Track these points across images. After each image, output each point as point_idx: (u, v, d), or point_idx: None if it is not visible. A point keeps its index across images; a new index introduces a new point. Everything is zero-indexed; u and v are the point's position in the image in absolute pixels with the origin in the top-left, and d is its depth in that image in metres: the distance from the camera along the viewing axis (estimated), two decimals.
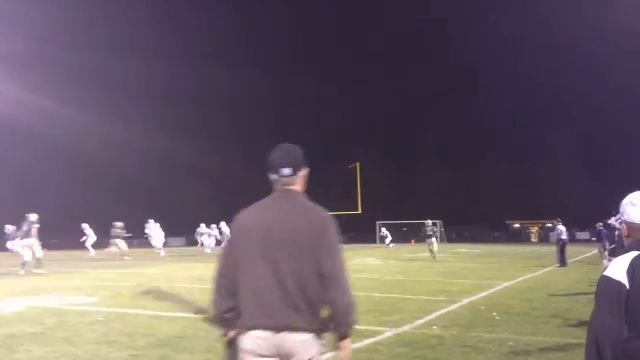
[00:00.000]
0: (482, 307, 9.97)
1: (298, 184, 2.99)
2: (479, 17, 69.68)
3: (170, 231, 38.02)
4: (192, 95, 63.35)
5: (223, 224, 32.04)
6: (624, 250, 2.23)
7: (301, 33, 74.02)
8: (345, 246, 32.71)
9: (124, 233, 27.23)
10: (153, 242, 30.47)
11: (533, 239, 61.23)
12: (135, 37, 59.06)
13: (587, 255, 27.89)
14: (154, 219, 30.68)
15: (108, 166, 55.95)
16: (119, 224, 26.89)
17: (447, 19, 71.75)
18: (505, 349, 6.63)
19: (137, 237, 34.52)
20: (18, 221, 20.83)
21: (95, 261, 24.66)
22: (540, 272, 18.21)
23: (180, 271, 18.76)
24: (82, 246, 31.37)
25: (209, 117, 62.30)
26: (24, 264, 18.04)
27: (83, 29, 56.58)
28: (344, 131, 68.32)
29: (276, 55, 70.65)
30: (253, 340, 2.75)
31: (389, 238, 42.56)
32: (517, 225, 69.71)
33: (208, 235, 34.77)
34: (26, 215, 19.04)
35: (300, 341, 2.71)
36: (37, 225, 18.80)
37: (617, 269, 2.11)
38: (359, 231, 55.12)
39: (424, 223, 26.37)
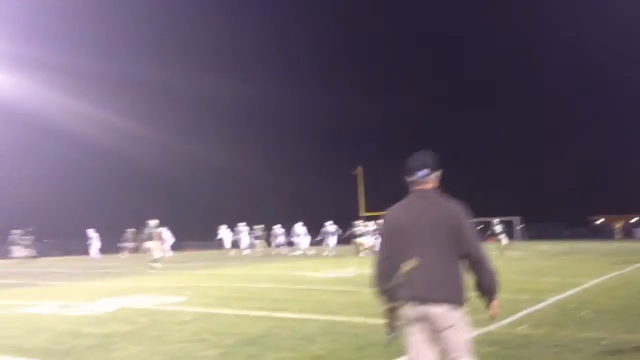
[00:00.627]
0: (572, 306, 9.63)
1: (432, 183, 3.65)
2: None
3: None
4: (264, 110, 64.61)
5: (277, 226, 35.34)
6: None
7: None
8: None
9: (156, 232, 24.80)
10: (227, 244, 35.20)
11: (617, 235, 58.65)
12: (202, 53, 60.92)
13: None
14: (225, 225, 35.71)
15: (167, 176, 57.46)
16: (153, 222, 23.78)
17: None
18: (599, 347, 6.38)
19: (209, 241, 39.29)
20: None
21: (170, 262, 25.41)
22: (628, 269, 17.42)
23: (257, 271, 19.13)
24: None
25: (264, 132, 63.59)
26: (155, 261, 21.49)
27: (150, 44, 58.44)
28: (416, 129, 67.54)
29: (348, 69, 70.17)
30: (408, 310, 3.50)
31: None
32: (599, 221, 67.02)
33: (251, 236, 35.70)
34: (147, 222, 22.55)
35: (441, 311, 3.41)
36: (158, 230, 22.46)
37: None
38: None
39: (491, 222, 26.44)
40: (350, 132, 69.16)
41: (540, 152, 68.74)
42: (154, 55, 57.08)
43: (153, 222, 22.29)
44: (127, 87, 53.90)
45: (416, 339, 3.50)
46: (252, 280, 15.87)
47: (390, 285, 3.54)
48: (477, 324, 8.01)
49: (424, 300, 3.42)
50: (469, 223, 3.51)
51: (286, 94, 61.09)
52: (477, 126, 70.31)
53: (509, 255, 23.48)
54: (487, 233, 27.38)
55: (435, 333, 3.44)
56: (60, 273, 21.14)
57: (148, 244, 22.59)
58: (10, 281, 17.70)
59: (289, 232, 35.15)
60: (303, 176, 61.25)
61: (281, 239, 35.21)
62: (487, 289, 3.55)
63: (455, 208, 3.53)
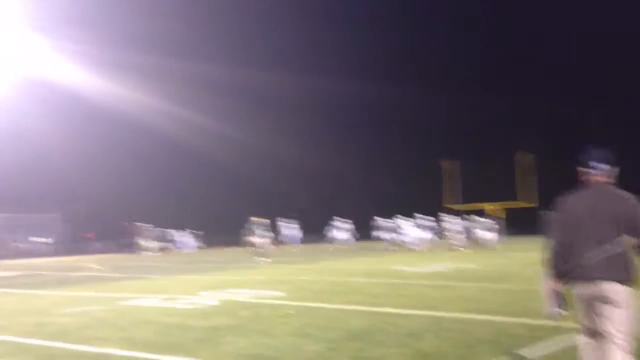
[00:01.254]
0: None
1: (610, 178, 4.09)
2: None
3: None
4: (340, 104, 64.66)
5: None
6: None
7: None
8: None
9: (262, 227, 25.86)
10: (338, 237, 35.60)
11: None
12: (279, 51, 61.65)
13: None
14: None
15: (242, 171, 58.66)
16: (256, 219, 25.57)
17: None
18: None
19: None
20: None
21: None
22: None
23: (352, 265, 19.14)
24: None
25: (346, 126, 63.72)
26: (262, 255, 23.71)
27: (225, 44, 59.85)
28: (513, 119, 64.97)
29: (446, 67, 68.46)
30: (580, 289, 3.97)
31: None
32: None
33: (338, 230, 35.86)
34: (250, 218, 25.18)
35: (611, 288, 3.84)
36: (263, 225, 25.16)
37: None
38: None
39: None
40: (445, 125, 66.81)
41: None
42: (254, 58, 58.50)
43: (258, 219, 24.79)
44: (226, 92, 55.98)
45: (587, 315, 3.97)
46: (348, 274, 15.88)
47: (567, 267, 3.99)
48: None
49: (597, 279, 3.85)
50: None
51: (389, 94, 60.16)
52: None
53: None
54: None
55: (603, 308, 3.85)
56: (164, 268, 21.98)
57: (255, 239, 24.74)
58: (113, 275, 18.61)
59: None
60: (390, 172, 60.84)
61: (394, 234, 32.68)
62: None
63: (630, 198, 3.94)
